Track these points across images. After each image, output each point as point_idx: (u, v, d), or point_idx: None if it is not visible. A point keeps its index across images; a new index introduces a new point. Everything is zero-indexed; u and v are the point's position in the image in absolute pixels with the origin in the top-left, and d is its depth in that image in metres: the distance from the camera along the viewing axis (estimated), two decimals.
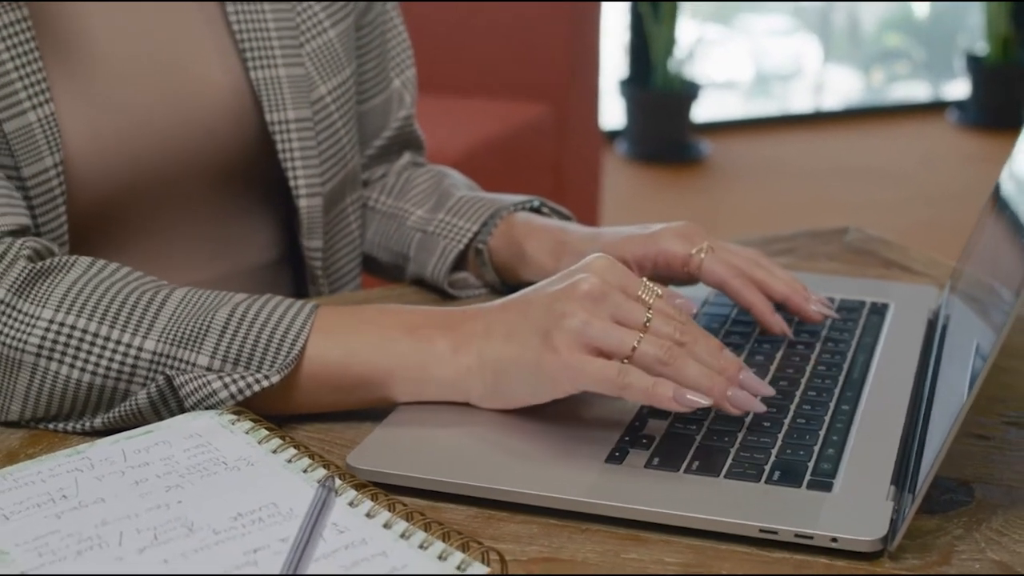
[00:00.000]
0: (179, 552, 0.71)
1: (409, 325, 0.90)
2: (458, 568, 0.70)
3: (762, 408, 0.85)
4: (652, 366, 0.82)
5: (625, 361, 0.82)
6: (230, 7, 1.08)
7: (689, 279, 1.03)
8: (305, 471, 0.79)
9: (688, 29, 4.81)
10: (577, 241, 1.05)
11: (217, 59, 1.08)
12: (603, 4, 3.16)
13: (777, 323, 1.00)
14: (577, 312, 0.83)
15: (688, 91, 4.44)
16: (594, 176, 3.25)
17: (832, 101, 5.17)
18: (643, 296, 0.85)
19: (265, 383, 0.87)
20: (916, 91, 5.36)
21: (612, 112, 4.52)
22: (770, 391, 0.86)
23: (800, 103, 5.16)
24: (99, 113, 1.02)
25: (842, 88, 5.27)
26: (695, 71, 4.63)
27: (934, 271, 1.19)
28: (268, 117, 1.08)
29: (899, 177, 4.31)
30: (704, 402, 0.82)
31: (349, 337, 0.89)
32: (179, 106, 1.06)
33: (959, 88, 5.19)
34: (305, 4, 1.11)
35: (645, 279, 0.86)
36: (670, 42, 4.36)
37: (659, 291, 0.86)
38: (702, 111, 4.70)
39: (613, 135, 4.52)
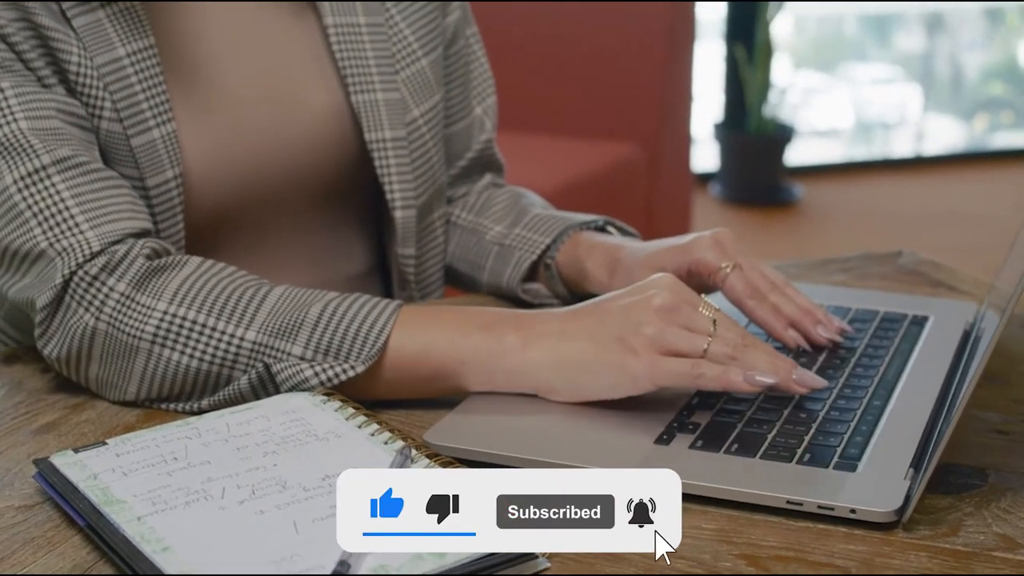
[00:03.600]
0: (274, 504, 0.82)
1: (483, 323, 1.00)
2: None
3: (823, 383, 0.96)
4: (723, 361, 0.94)
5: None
6: (331, 27, 1.19)
7: (716, 289, 1.11)
8: (386, 443, 0.90)
9: (786, 75, 4.88)
10: (627, 258, 1.14)
11: (320, 83, 1.19)
12: (698, 49, 3.24)
13: (791, 337, 1.08)
14: (654, 322, 0.95)
15: (782, 135, 4.50)
16: (685, 217, 3.30)
17: (932, 149, 5.19)
18: (702, 311, 0.97)
19: (351, 372, 0.98)
20: (1018, 139, 5.36)
21: (707, 155, 4.61)
22: (823, 383, 0.96)
23: (899, 150, 5.19)
24: (215, 132, 1.14)
25: (943, 137, 5.29)
26: (792, 116, 4.69)
27: (978, 291, 1.26)
28: (367, 136, 1.19)
29: (990, 222, 4.33)
30: (771, 380, 0.93)
31: (427, 333, 1.00)
32: (286, 127, 1.18)
33: None
34: (399, 34, 1.21)
35: (703, 296, 0.98)
36: (765, 87, 4.43)
37: (716, 305, 0.98)
38: (799, 155, 4.75)
39: (707, 177, 4.60)
